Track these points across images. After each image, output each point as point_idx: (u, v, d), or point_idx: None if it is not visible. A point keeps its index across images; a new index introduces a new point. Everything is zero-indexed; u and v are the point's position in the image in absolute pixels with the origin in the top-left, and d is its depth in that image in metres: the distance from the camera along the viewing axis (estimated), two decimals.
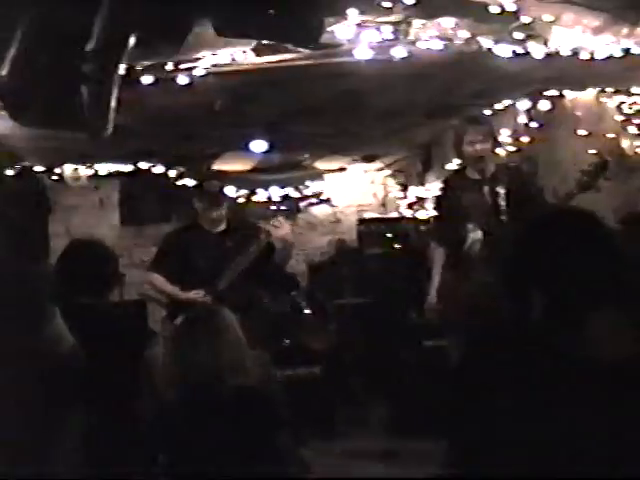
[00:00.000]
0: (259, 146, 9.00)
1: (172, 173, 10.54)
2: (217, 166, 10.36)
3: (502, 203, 5.65)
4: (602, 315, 2.26)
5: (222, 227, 6.50)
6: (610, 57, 6.27)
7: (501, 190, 5.67)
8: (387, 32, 6.05)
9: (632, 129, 7.40)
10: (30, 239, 3.71)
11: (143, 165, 10.35)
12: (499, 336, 2.47)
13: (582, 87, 7.45)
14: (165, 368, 4.12)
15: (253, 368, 3.83)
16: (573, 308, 2.29)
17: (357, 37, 5.99)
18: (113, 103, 5.26)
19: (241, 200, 10.99)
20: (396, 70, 6.61)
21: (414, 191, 11.35)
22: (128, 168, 10.40)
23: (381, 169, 11.84)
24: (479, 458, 2.31)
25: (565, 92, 7.70)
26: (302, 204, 11.65)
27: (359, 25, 5.93)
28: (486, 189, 5.76)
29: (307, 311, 9.29)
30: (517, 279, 2.46)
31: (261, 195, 11.29)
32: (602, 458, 2.15)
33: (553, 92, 7.76)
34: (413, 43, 6.20)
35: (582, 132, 7.44)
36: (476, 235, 5.74)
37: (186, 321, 4.18)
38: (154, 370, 4.31)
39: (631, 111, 7.38)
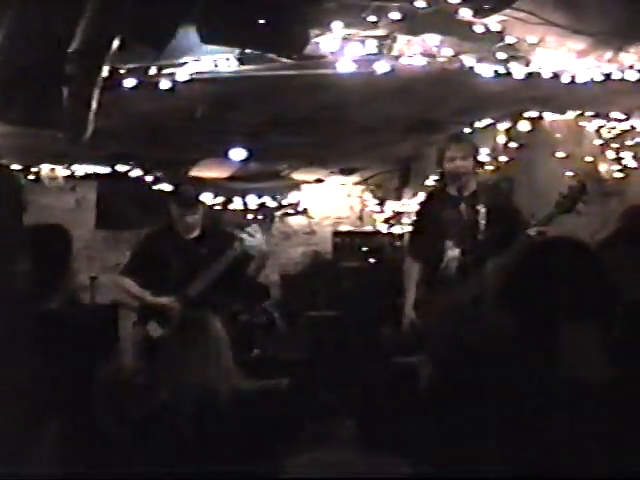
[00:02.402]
0: (238, 154, 9.00)
1: (149, 177, 10.50)
2: (195, 172, 10.34)
3: (481, 221, 5.66)
4: (580, 333, 2.29)
5: (197, 233, 6.48)
6: (591, 81, 6.32)
7: (481, 208, 5.68)
8: (371, 46, 6.07)
9: (610, 153, 7.46)
10: (5, 238, 3.70)
11: (120, 168, 10.31)
12: (471, 355, 2.48)
13: (562, 110, 7.51)
14: (138, 374, 4.11)
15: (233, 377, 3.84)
16: (551, 327, 2.31)
17: (341, 50, 6.00)
18: (94, 105, 5.25)
19: (217, 207, 10.95)
20: (378, 85, 6.64)
21: (391, 206, 11.37)
22: (105, 170, 10.36)
23: (359, 182, 11.86)
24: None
25: (545, 114, 7.75)
26: (278, 214, 11.63)
27: (344, 38, 5.94)
28: (464, 207, 5.77)
29: (279, 322, 9.27)
30: (503, 302, 2.48)
31: (238, 203, 11.27)
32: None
33: (533, 113, 7.81)
34: (396, 58, 6.22)
35: (560, 154, 7.50)
36: (453, 253, 5.75)
37: (176, 327, 4.16)
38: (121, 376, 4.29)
39: (609, 135, 7.44)
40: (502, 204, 5.92)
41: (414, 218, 6.52)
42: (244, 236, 6.18)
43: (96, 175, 10.49)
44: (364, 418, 7.75)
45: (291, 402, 7.72)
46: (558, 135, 7.64)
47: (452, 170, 5.85)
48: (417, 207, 6.62)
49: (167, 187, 10.23)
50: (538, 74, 6.31)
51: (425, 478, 2.52)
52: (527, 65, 6.27)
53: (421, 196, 9.17)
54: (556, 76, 6.33)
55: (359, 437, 7.56)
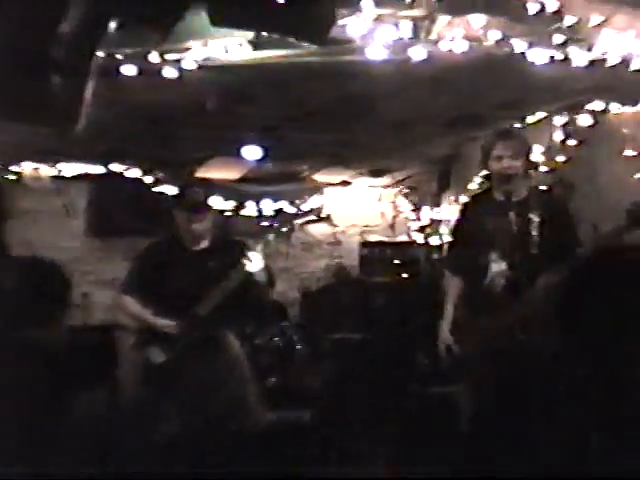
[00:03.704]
0: (252, 152, 9.00)
1: (149, 178, 10.51)
2: (202, 173, 10.36)
3: (532, 232, 5.61)
4: None
5: (205, 244, 6.49)
6: None
7: (533, 217, 5.64)
8: (406, 29, 6.06)
9: None
10: None
11: (116, 167, 10.31)
12: (518, 385, 2.45)
13: (632, 101, 7.43)
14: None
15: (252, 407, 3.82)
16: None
17: (371, 34, 6.01)
18: (87, 95, 5.26)
19: (228, 213, 10.96)
20: (413, 73, 6.64)
21: (427, 213, 11.35)
22: (98, 170, 10.37)
23: (391, 185, 11.86)
24: None
25: (611, 106, 7.66)
26: (298, 221, 11.62)
27: (375, 20, 5.94)
28: (513, 214, 5.72)
29: (298, 346, 9.26)
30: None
31: (251, 209, 11.27)
32: None
33: (596, 105, 7.73)
34: (435, 43, 6.22)
35: (629, 153, 7.40)
36: (499, 267, 5.70)
37: (188, 348, 4.10)
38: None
39: None
40: (558, 212, 5.86)
41: (454, 226, 6.49)
42: (245, 262, 6.22)
43: (87, 175, 10.49)
44: (394, 457, 7.73)
45: (312, 438, 7.72)
46: (626, 130, 7.54)
47: (499, 171, 5.80)
48: (458, 214, 6.59)
49: (170, 190, 10.25)
50: (603, 60, 6.27)
51: None
52: (589, 50, 6.23)
53: (463, 201, 9.17)
54: (624, 62, 6.27)
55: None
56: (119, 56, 6.10)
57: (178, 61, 6.28)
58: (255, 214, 11.31)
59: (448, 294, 6.17)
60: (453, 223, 6.67)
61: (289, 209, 11.55)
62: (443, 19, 6.11)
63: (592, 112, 7.80)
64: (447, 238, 10.16)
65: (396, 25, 6.03)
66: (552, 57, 6.27)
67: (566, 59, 6.27)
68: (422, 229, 11.46)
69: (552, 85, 6.94)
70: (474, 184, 8.89)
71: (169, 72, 6.30)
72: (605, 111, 7.71)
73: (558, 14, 5.88)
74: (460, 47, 6.20)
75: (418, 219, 11.62)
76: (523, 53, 6.26)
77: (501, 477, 2.35)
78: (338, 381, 9.08)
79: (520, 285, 5.57)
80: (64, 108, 5.30)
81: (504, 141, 5.90)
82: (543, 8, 5.74)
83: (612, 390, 2.25)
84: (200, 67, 6.33)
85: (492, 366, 5.48)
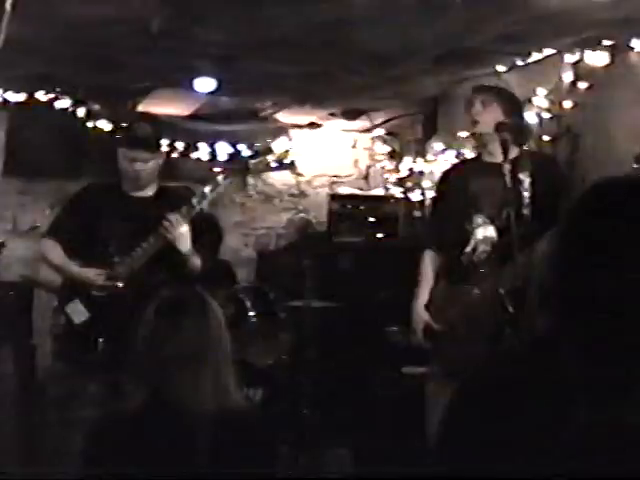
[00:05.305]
0: (204, 84, 8.96)
1: (81, 111, 10.44)
2: (145, 107, 10.31)
3: (525, 194, 5.60)
4: None
5: (149, 191, 6.49)
6: None
7: (524, 178, 5.63)
8: None
9: None
10: None
11: (41, 95, 10.23)
12: (502, 371, 2.42)
13: None
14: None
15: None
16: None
17: None
18: (7, 7, 5.21)
19: (175, 155, 10.91)
20: None
21: (409, 163, 11.33)
22: (19, 98, 10.27)
23: (367, 130, 11.85)
24: None
25: (634, 42, 7.59)
26: (253, 161, 11.57)
27: None
28: (506, 170, 5.69)
29: (251, 313, 9.25)
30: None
31: (203, 151, 11.22)
32: None
33: (616, 41, 7.65)
34: None
35: None
36: (486, 232, 5.71)
37: (160, 311, 3.98)
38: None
39: None
40: (556, 172, 5.88)
41: (432, 199, 6.51)
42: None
43: (6, 103, 10.40)
44: (357, 446, 7.75)
45: (264, 419, 7.71)
46: None
47: (480, 130, 5.82)
48: (439, 177, 6.60)
49: (106, 125, 10.19)
50: None
51: None
52: None
53: (451, 153, 9.16)
54: None
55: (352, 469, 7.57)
56: None
57: None
58: (207, 157, 11.26)
59: (424, 264, 6.19)
60: (434, 186, 6.69)
61: (247, 153, 11.50)
62: None
63: (611, 49, 7.69)
64: (430, 193, 10.18)
65: None
66: None
67: None
68: (401, 182, 11.44)
69: (565, 15, 6.89)
70: (465, 132, 8.87)
71: None
72: (627, 49, 7.61)
73: None
74: None
75: (396, 170, 11.59)
76: None
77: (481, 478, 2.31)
78: (296, 357, 9.09)
79: (508, 252, 5.56)
80: None
81: (480, 96, 5.92)
82: None
83: (620, 382, 2.19)
84: None
85: (469, 347, 5.52)
